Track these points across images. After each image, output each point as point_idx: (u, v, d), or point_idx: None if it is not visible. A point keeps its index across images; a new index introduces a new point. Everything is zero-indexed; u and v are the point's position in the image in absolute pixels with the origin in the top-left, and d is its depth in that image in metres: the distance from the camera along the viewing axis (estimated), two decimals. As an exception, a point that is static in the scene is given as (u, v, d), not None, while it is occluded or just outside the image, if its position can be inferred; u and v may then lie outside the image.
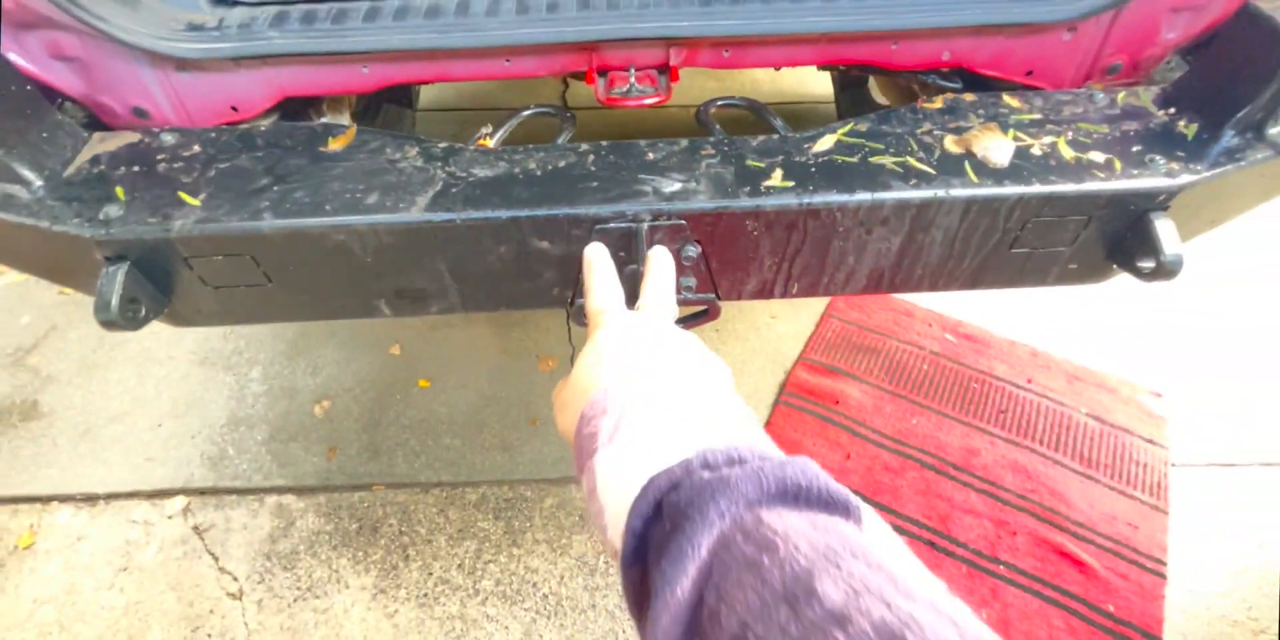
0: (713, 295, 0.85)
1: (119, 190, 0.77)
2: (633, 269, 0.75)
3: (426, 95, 2.32)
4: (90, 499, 1.51)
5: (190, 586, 1.37)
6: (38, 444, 1.62)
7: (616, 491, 0.41)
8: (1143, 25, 0.89)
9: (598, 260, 0.69)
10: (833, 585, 0.29)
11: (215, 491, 1.52)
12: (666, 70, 0.93)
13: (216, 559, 1.41)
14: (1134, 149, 0.80)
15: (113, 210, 0.75)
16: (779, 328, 1.82)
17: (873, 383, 1.67)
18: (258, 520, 1.47)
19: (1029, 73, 0.95)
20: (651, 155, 0.81)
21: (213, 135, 0.85)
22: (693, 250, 0.78)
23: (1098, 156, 0.79)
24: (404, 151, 0.82)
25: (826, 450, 1.54)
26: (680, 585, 0.33)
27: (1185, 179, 0.76)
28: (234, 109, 0.92)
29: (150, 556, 1.41)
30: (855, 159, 0.80)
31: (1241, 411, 1.61)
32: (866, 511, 0.38)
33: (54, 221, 0.74)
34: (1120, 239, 0.82)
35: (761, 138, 0.83)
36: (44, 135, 0.80)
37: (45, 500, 1.51)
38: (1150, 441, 1.55)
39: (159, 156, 0.82)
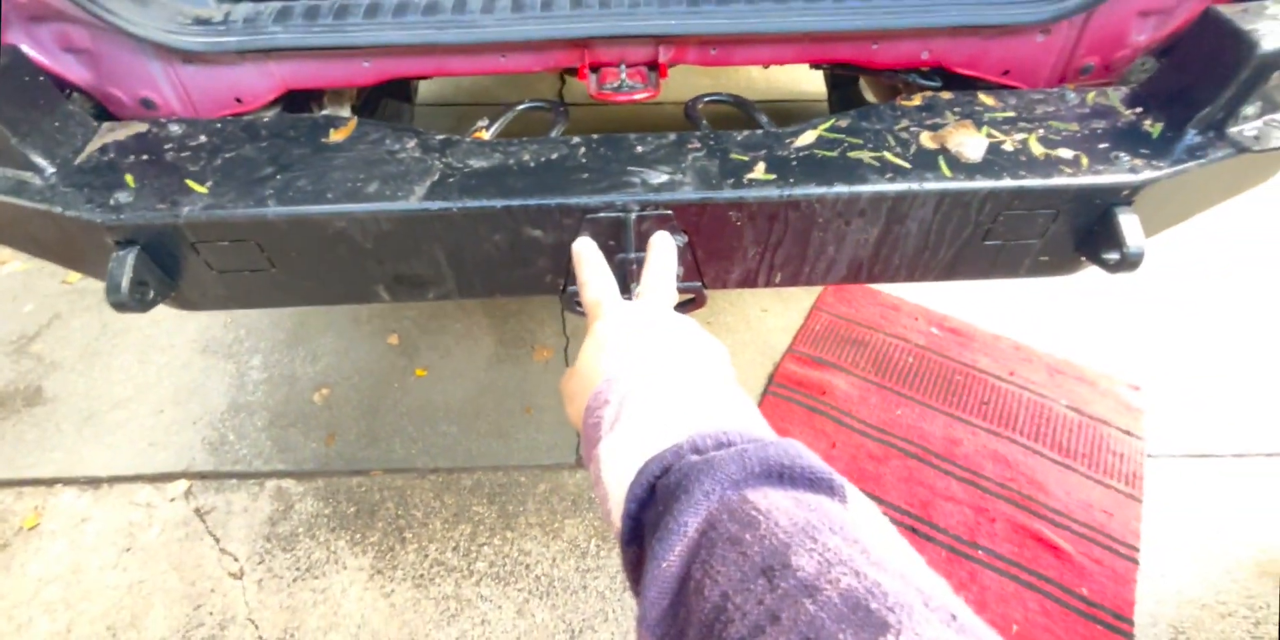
0: (699, 283, 0.89)
1: (129, 177, 0.80)
2: (622, 257, 0.78)
3: (425, 90, 2.35)
4: (94, 482, 1.55)
5: (192, 566, 1.41)
6: (42, 428, 1.65)
7: (617, 477, 0.43)
8: (1113, 28, 0.92)
9: (586, 252, 0.71)
10: (807, 557, 0.31)
11: (216, 475, 1.56)
12: (656, 67, 0.96)
13: (218, 540, 1.45)
14: (1101, 146, 0.83)
15: (123, 197, 0.78)
16: (769, 321, 1.86)
17: (859, 374, 1.71)
18: (258, 503, 1.51)
19: (1005, 72, 0.98)
20: (640, 148, 0.85)
21: (218, 126, 0.89)
22: (679, 240, 0.82)
23: (1066, 153, 0.82)
24: (403, 143, 0.85)
25: (813, 439, 1.58)
26: (668, 560, 0.34)
27: (1148, 175, 0.79)
28: (238, 101, 0.95)
29: (153, 537, 1.45)
30: (835, 153, 0.83)
31: (1217, 404, 1.65)
32: (851, 490, 0.39)
33: (66, 207, 0.77)
34: (1087, 232, 0.85)
35: (746, 132, 0.86)
36: (56, 124, 0.83)
37: (50, 483, 1.55)
38: (1127, 433, 1.59)
39: (166, 146, 0.86)
